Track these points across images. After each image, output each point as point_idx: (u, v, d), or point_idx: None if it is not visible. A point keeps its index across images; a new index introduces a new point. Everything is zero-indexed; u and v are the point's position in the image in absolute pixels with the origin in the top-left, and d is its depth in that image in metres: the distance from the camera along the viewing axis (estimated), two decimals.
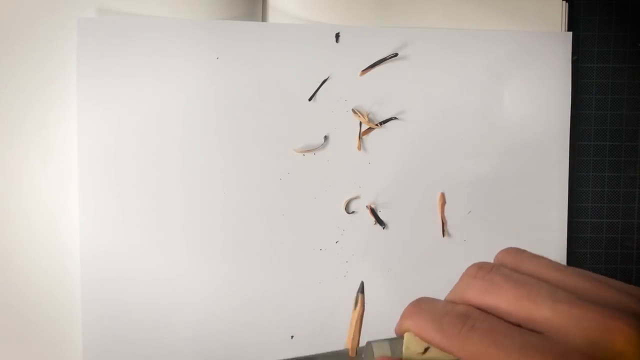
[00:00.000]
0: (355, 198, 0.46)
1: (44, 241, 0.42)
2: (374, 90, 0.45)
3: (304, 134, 0.45)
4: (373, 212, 0.46)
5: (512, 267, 0.24)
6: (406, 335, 0.24)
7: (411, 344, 0.24)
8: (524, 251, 0.25)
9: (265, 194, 0.44)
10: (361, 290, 0.28)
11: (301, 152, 0.45)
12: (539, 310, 0.21)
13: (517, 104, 0.46)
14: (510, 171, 0.46)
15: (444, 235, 0.46)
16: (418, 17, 0.46)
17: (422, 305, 0.24)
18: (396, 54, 0.45)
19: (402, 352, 0.24)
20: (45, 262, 0.42)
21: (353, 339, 0.27)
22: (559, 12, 0.46)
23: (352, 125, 0.45)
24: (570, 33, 0.46)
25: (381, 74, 0.45)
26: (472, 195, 0.45)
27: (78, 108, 0.42)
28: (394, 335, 0.25)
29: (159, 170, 0.42)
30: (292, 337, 0.45)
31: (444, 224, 0.46)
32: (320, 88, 0.45)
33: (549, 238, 0.46)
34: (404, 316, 0.24)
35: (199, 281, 0.43)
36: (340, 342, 0.45)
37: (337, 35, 0.45)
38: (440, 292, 0.44)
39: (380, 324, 0.44)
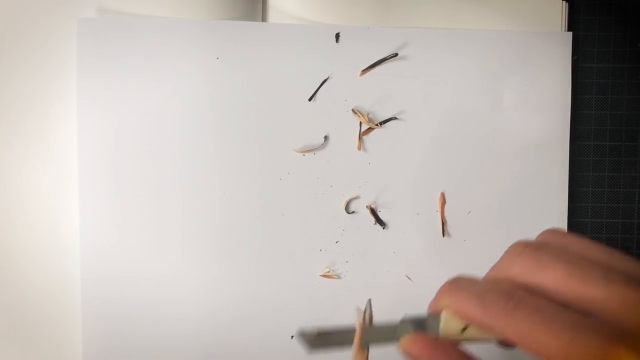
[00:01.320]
0: (355, 198, 0.45)
1: (44, 241, 0.42)
2: (374, 90, 0.45)
3: (304, 134, 0.44)
4: (373, 212, 0.46)
5: (559, 247, 0.22)
6: (443, 313, 0.23)
7: (449, 322, 0.23)
8: (569, 232, 0.24)
9: (265, 194, 0.44)
10: (369, 306, 0.28)
11: (301, 152, 0.45)
12: (592, 291, 0.19)
13: (517, 104, 0.45)
14: (510, 171, 0.45)
15: (444, 235, 0.46)
16: (418, 17, 0.45)
17: (461, 283, 0.23)
18: (396, 54, 0.45)
19: (439, 329, 0.23)
20: (45, 262, 0.42)
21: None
22: (559, 12, 0.46)
23: (352, 125, 0.45)
24: (570, 33, 0.46)
25: (381, 74, 0.45)
26: (472, 195, 0.45)
27: (78, 108, 0.41)
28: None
29: (158, 170, 0.42)
30: (292, 337, 0.44)
31: (443, 224, 0.46)
32: (320, 88, 0.45)
33: None
34: (441, 294, 0.23)
35: (198, 281, 0.43)
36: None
37: (337, 36, 0.45)
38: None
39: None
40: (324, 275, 0.44)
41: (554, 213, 0.44)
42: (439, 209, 0.45)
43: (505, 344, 0.23)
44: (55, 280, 0.42)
